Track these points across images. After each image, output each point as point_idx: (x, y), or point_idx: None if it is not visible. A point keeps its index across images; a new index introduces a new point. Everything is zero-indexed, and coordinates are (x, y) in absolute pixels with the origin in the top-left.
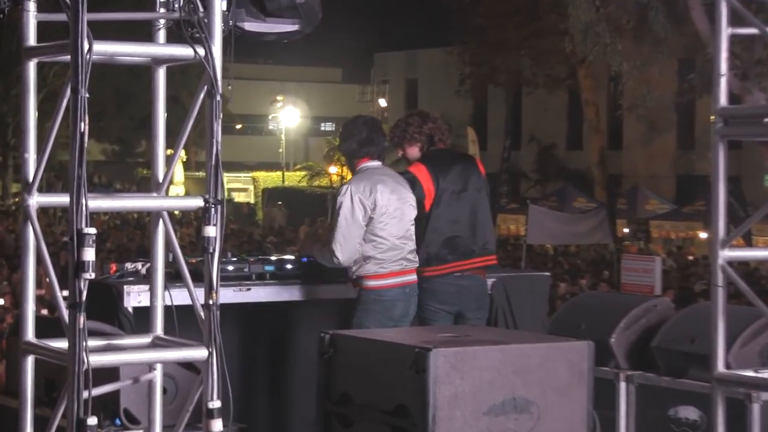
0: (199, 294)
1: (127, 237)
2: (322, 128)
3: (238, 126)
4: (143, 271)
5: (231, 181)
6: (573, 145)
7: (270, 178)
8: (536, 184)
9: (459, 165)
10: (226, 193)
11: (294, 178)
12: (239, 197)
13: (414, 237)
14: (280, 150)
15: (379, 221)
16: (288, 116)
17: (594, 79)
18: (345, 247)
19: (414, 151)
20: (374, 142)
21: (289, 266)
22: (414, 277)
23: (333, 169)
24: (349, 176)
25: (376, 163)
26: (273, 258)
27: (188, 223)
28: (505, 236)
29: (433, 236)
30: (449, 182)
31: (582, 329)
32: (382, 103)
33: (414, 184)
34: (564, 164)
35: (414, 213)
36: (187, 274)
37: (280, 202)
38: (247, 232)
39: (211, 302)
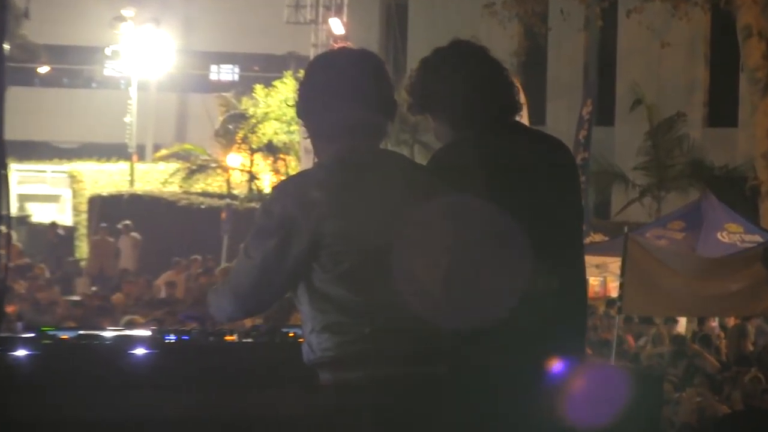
0: None
1: None
2: (214, 76)
3: (44, 69)
4: None
5: (28, 180)
6: (718, 118)
7: (105, 176)
8: (644, 194)
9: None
10: (16, 205)
11: (154, 176)
12: (42, 212)
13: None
14: (128, 119)
15: (343, 262)
16: (144, 51)
17: None
18: (245, 299)
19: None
20: (368, 102)
21: (137, 351)
22: None
23: (234, 160)
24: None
25: (366, 148)
26: (106, 334)
27: None
28: None
29: None
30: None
31: None
32: (336, 26)
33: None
34: (700, 155)
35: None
36: None
37: (127, 222)
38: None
39: None
